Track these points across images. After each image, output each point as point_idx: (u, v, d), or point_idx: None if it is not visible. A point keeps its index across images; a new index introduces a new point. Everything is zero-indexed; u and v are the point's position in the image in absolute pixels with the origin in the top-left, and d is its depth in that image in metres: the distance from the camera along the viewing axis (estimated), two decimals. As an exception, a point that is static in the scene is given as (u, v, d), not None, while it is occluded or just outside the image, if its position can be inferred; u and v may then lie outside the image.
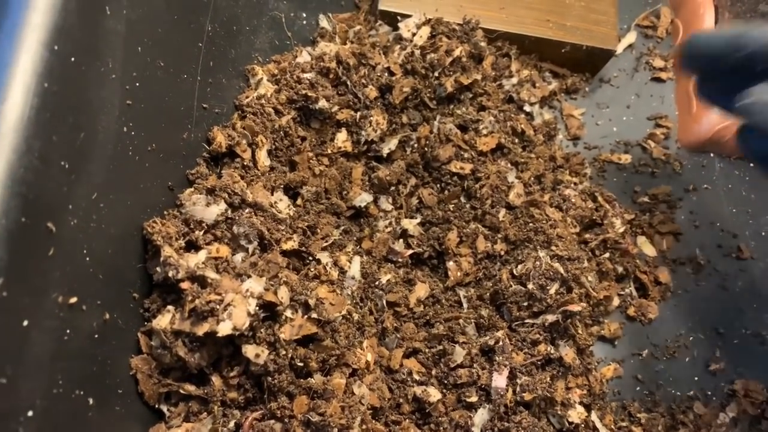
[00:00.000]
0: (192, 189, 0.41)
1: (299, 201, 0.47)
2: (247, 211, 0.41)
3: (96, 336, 0.34)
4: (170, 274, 0.36)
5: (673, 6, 0.66)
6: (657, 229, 0.58)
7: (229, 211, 0.40)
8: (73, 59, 0.31)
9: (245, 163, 0.44)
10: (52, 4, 0.30)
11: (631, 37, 0.65)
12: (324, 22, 0.58)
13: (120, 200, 0.36)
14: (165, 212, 0.40)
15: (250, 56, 0.50)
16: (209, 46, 0.45)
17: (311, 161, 0.48)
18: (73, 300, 0.32)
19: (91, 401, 0.33)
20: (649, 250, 0.57)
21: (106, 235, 0.35)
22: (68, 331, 0.32)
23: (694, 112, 0.61)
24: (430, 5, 0.57)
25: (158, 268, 0.37)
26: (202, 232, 0.39)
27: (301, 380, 0.39)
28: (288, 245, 0.42)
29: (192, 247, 0.39)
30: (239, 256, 0.40)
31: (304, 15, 0.56)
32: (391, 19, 0.56)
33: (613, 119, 0.63)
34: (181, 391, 0.37)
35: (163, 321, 0.36)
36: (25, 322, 0.28)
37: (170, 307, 0.37)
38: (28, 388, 0.28)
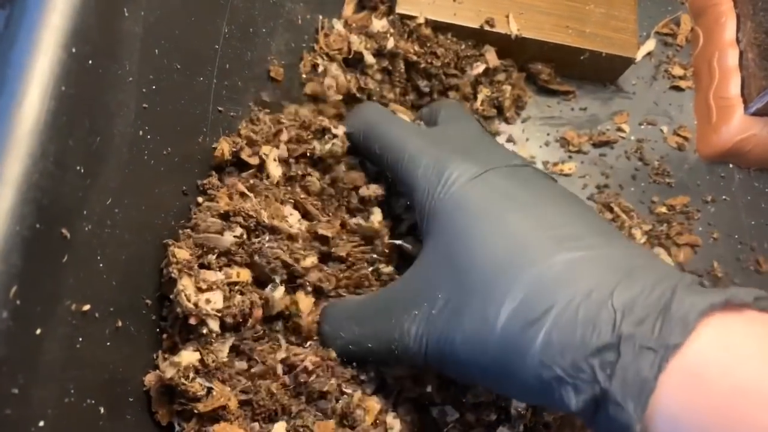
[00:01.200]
0: (205, 208, 0.40)
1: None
2: (267, 238, 0.39)
3: (108, 344, 0.33)
4: (191, 322, 0.36)
5: (694, 14, 0.66)
6: (674, 240, 0.57)
7: (245, 235, 0.39)
8: (90, 62, 0.31)
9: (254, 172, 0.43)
10: (71, 5, 0.29)
11: (650, 44, 0.64)
12: (338, 26, 0.57)
13: (134, 205, 0.35)
14: (180, 231, 0.39)
15: (266, 59, 0.50)
16: (225, 48, 0.45)
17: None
18: (86, 307, 0.31)
19: (102, 410, 0.33)
20: (667, 261, 0.56)
21: (119, 240, 0.34)
22: (80, 338, 0.31)
23: (714, 122, 0.61)
24: (448, 9, 0.56)
25: (178, 309, 0.36)
26: (215, 257, 0.38)
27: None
28: (308, 262, 0.41)
29: (205, 268, 0.38)
30: (269, 288, 0.39)
31: (321, 17, 0.56)
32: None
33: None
34: (195, 411, 0.36)
35: (184, 359, 0.36)
36: (38, 330, 0.28)
37: (191, 349, 0.36)
38: (39, 398, 0.28)
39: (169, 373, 0.35)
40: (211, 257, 0.37)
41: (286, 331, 0.41)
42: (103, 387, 0.33)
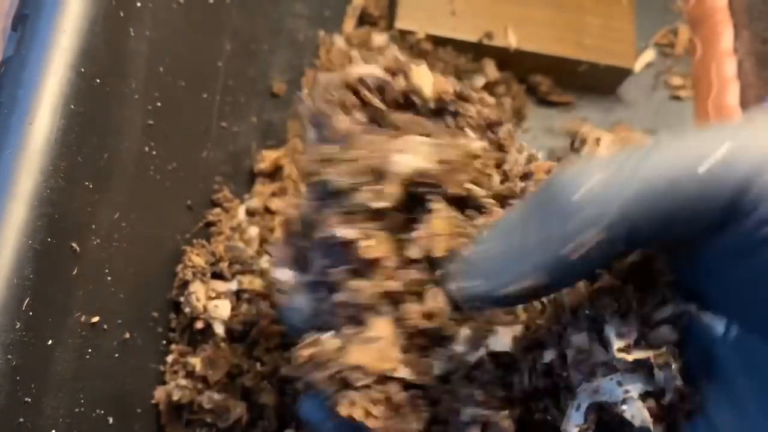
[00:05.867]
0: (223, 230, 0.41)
1: None
2: None
3: (116, 355, 0.34)
4: (198, 326, 0.37)
5: (692, 24, 0.66)
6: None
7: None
8: (98, 80, 0.32)
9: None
10: (80, 27, 0.30)
11: (649, 55, 0.65)
12: (339, 41, 0.58)
13: (141, 219, 0.36)
14: (194, 240, 0.40)
15: (268, 75, 0.51)
16: (228, 65, 0.46)
17: None
18: (95, 319, 0.32)
19: (111, 420, 0.33)
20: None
21: (126, 254, 0.35)
22: (90, 350, 0.32)
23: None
24: (447, 23, 0.57)
25: (187, 309, 0.37)
26: (227, 265, 0.39)
27: None
28: None
29: (218, 276, 0.39)
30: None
31: (322, 33, 0.57)
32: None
33: (630, 137, 0.63)
34: (205, 422, 0.37)
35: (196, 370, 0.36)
36: (50, 341, 0.28)
37: (200, 358, 0.37)
38: (51, 407, 0.29)
39: (177, 395, 0.36)
40: (224, 265, 0.38)
41: None
42: (112, 398, 0.34)
